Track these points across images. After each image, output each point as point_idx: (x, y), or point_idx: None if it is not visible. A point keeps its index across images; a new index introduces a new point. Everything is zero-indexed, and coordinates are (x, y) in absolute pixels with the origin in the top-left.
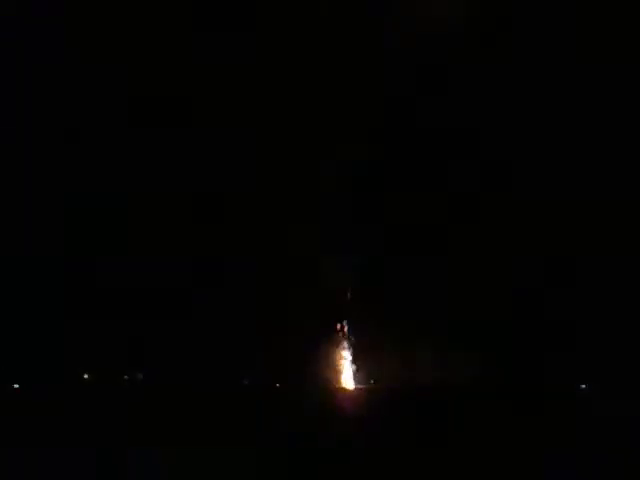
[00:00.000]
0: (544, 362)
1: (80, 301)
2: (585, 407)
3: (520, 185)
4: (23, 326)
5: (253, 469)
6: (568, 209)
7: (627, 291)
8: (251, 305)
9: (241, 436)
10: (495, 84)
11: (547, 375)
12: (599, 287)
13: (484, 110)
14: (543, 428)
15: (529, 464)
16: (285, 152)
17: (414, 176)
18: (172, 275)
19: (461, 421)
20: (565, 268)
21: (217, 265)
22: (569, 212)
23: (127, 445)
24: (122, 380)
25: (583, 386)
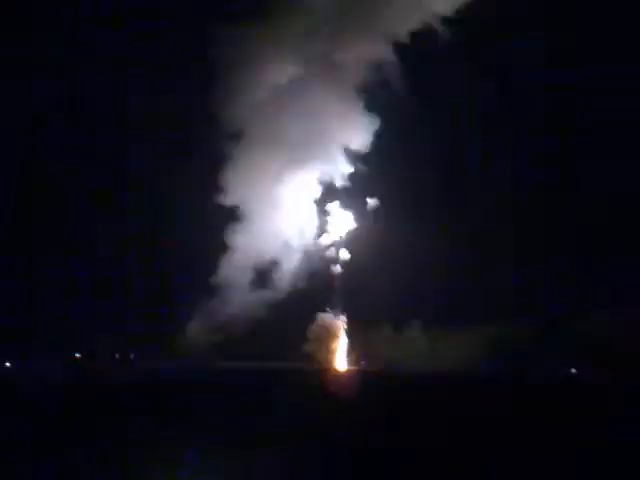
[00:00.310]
0: (531, 351)
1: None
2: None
3: None
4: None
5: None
6: None
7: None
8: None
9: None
10: None
11: (533, 362)
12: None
13: None
14: (533, 413)
15: (519, 447)
16: None
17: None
18: None
19: (449, 405)
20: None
21: None
22: None
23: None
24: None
25: (573, 370)
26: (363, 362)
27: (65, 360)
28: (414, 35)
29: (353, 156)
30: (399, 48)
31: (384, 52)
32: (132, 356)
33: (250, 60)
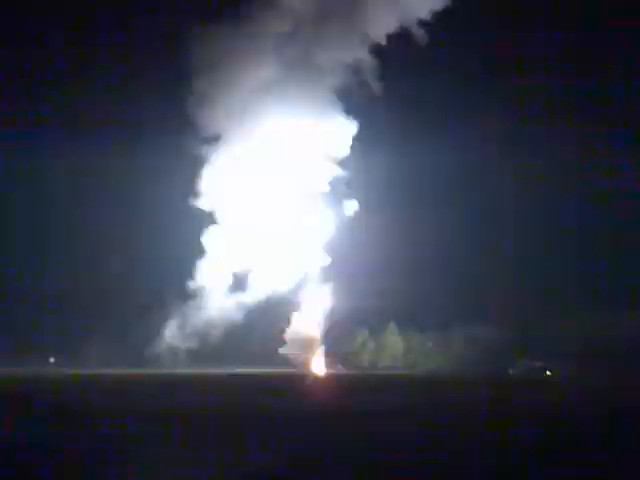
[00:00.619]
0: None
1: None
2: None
3: None
4: None
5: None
6: None
7: None
8: None
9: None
10: None
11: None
12: None
13: None
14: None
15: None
16: None
17: None
18: None
19: (432, 405)
20: None
21: None
22: None
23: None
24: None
25: (548, 373)
26: (340, 366)
27: None
28: (391, 37)
29: (332, 160)
30: (376, 50)
31: (362, 54)
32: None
33: (227, 62)
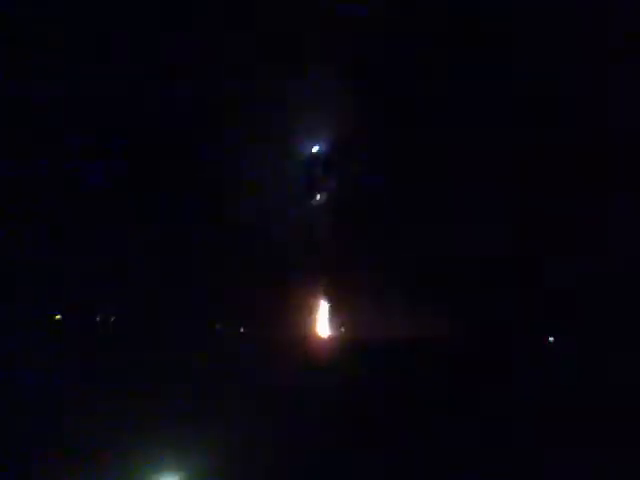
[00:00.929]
0: (514, 316)
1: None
2: (553, 359)
3: None
4: None
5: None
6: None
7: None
8: (230, 258)
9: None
10: None
11: (516, 328)
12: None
13: None
14: (513, 382)
15: (499, 418)
16: None
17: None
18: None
19: (430, 373)
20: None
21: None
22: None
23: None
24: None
25: (551, 339)
26: (342, 329)
27: None
28: None
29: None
30: None
31: None
32: None
33: None
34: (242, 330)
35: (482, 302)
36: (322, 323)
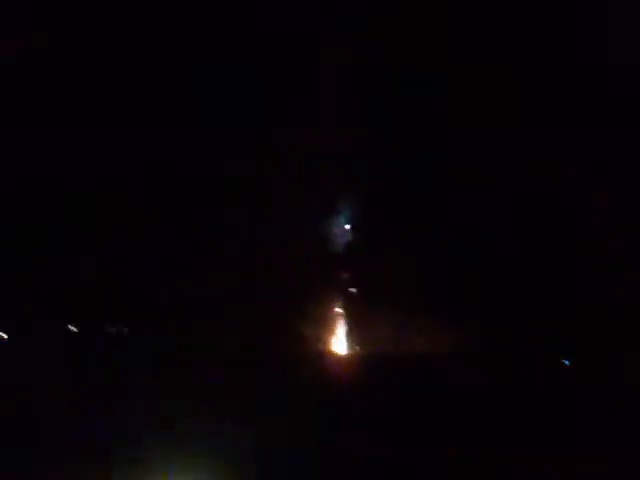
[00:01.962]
0: (531, 334)
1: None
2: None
3: None
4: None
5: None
6: None
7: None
8: (243, 264)
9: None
10: None
11: (532, 347)
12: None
13: None
14: (530, 400)
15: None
16: None
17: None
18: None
19: (448, 390)
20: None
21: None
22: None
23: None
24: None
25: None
26: (358, 346)
27: None
28: None
29: None
30: None
31: None
32: None
33: None
34: (255, 344)
35: (517, 320)
36: (338, 338)
